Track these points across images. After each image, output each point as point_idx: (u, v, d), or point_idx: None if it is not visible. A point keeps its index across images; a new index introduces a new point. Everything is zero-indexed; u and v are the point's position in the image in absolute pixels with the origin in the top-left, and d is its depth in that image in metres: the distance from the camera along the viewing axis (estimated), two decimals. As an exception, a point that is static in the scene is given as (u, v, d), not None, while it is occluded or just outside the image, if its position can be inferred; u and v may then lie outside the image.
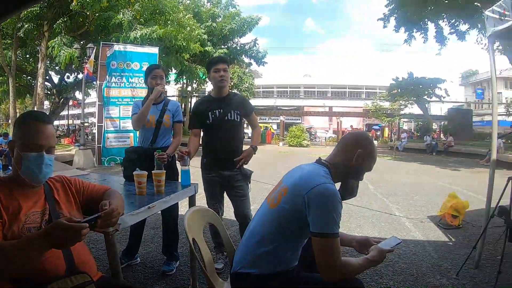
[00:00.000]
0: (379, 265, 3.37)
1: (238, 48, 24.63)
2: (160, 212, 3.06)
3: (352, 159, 1.79)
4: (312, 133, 35.23)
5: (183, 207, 3.67)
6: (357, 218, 5.50)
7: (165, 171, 2.63)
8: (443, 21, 19.48)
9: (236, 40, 24.65)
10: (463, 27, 19.17)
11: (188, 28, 16.63)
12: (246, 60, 25.63)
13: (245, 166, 3.33)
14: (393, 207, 6.42)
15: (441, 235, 4.86)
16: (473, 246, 3.53)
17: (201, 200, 3.49)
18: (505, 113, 30.74)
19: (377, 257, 1.75)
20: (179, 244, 3.54)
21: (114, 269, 1.90)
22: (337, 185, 1.79)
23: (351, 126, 34.85)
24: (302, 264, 1.85)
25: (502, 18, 3.41)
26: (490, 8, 3.61)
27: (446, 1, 17.15)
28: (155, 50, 12.43)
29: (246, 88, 26.74)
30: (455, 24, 19.27)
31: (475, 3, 15.01)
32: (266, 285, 1.72)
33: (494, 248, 3.79)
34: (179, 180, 3.01)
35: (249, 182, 3.37)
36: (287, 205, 1.71)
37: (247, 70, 28.34)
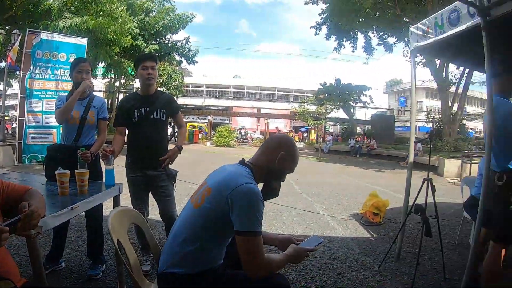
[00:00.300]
0: (305, 261, 3.50)
1: (170, 45, 23.98)
2: (84, 213, 2.94)
3: (274, 161, 1.87)
4: (243, 133, 35.60)
5: (107, 208, 3.53)
6: (283, 217, 5.64)
7: (88, 170, 2.52)
8: (373, 32, 20.85)
9: (169, 36, 23.96)
10: (391, 39, 20.74)
11: (120, 21, 15.85)
12: (177, 57, 25.02)
13: (170, 166, 3.30)
14: (318, 206, 6.68)
15: (364, 231, 5.17)
16: (393, 241, 3.83)
17: (126, 200, 3.39)
18: (425, 120, 33.30)
19: (294, 253, 1.83)
20: (104, 247, 3.41)
21: (38, 274, 1.79)
22: (260, 186, 1.85)
23: (277, 127, 35.69)
24: (227, 262, 1.88)
25: (425, 35, 3.75)
26: (416, 25, 3.95)
27: (377, 15, 18.29)
28: (84, 41, 11.66)
29: (175, 86, 26.30)
30: (384, 37, 20.70)
31: (404, 19, 16.21)
32: (192, 284, 1.73)
33: (413, 242, 4.12)
34: (103, 180, 2.90)
35: (174, 182, 3.35)
36: (210, 205, 1.73)
37: (177, 68, 27.79)
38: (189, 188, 6.71)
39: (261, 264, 1.68)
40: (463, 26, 3.15)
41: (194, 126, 32.19)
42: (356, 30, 20.74)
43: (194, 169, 10.53)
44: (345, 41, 21.47)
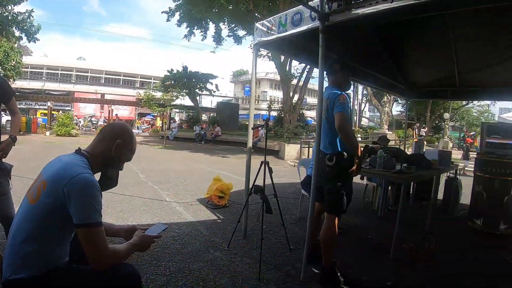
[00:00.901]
0: (156, 250, 3.63)
1: (10, 17, 20.35)
2: None
3: (111, 149, 1.88)
4: (94, 122, 33.15)
5: None
6: (130, 208, 5.55)
7: None
8: (224, 24, 21.34)
9: (10, 7, 20.26)
10: (241, 32, 21.61)
11: None
12: (17, 33, 21.45)
13: (4, 160, 2.94)
14: (164, 193, 6.74)
15: (211, 214, 5.46)
16: (238, 220, 4.19)
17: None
18: (268, 109, 35.67)
19: (139, 241, 1.90)
20: None
21: None
22: (98, 176, 1.86)
23: (116, 115, 34.05)
24: (74, 258, 1.84)
25: (269, 31, 4.12)
26: (261, 21, 4.29)
27: (230, 7, 18.72)
28: None
29: (12, 66, 22.38)
30: (234, 29, 21.43)
31: (256, 14, 17.03)
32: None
33: (258, 220, 4.44)
34: None
35: (10, 178, 3.00)
36: (47, 199, 1.67)
37: (16, 45, 23.70)
38: (27, 184, 6.02)
39: (105, 255, 1.68)
40: (304, 28, 3.59)
41: (45, 114, 28.51)
42: (208, 20, 21.04)
43: (32, 162, 9.46)
44: (196, 29, 21.60)
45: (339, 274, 3.28)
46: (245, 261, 3.65)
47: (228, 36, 22.05)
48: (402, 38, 6.78)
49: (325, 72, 3.53)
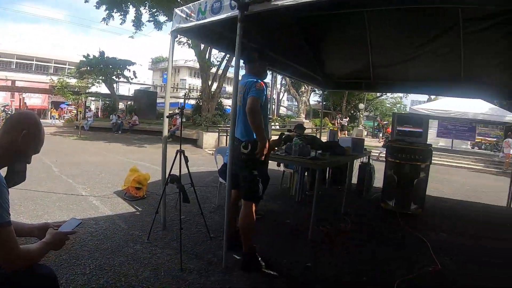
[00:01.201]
0: (74, 247, 3.53)
1: None
2: None
3: (17, 141, 1.73)
4: (8, 112, 30.30)
5: None
6: (44, 205, 5.20)
7: None
8: (145, 8, 20.45)
9: None
10: (162, 18, 20.76)
11: None
12: None
13: None
14: (80, 187, 6.42)
15: (129, 207, 5.34)
16: (156, 211, 4.13)
17: None
18: (186, 97, 35.16)
19: (52, 239, 1.80)
20: None
21: None
22: (4, 171, 1.74)
23: (25, 103, 31.66)
24: None
25: (188, 18, 4.06)
26: (181, 8, 4.22)
27: None
28: None
29: None
30: (155, 14, 20.60)
31: (179, 0, 16.54)
32: None
33: (176, 210, 4.45)
34: None
35: None
36: None
37: None
38: None
39: (17, 255, 1.59)
40: (223, 16, 3.59)
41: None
42: (129, 3, 20.08)
43: None
44: (115, 12, 20.48)
45: (259, 259, 3.41)
46: (166, 252, 3.64)
47: (149, 21, 21.12)
48: (322, 31, 7.13)
49: (242, 61, 3.59)
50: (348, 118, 36.96)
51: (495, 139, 29.77)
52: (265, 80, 3.61)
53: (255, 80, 3.31)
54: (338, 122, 31.60)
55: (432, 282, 3.58)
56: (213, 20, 3.73)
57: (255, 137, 3.32)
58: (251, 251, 3.41)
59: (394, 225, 5.40)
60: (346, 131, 29.78)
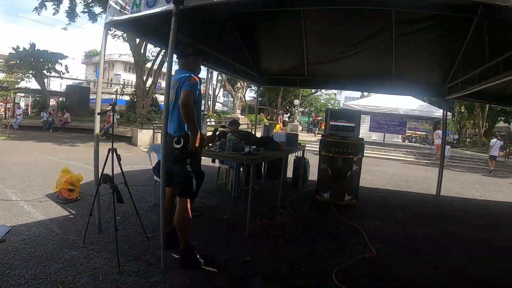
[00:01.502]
0: (6, 256, 3.38)
1: None
2: None
3: None
4: None
5: None
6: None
7: None
8: None
9: None
10: (97, 9, 19.83)
11: None
12: None
13: None
14: (9, 191, 6.08)
15: (62, 210, 5.15)
16: (89, 214, 4.03)
17: None
18: (120, 93, 34.18)
19: None
20: None
21: None
22: None
23: None
24: None
25: (122, 10, 3.95)
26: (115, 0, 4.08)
27: None
28: None
29: None
30: (90, 5, 19.65)
31: None
32: None
33: (111, 211, 4.36)
34: None
35: None
36: None
37: None
38: None
39: None
40: (158, 9, 3.56)
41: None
42: None
43: None
44: (48, 1, 19.33)
45: (198, 256, 3.46)
46: (103, 255, 3.58)
47: (83, 12, 20.13)
48: (258, 28, 7.30)
49: (176, 56, 3.62)
50: (289, 114, 37.84)
51: (425, 133, 32.05)
52: (199, 76, 3.66)
53: (188, 74, 3.35)
54: (281, 118, 32.26)
55: (368, 269, 3.84)
56: (148, 14, 3.69)
57: (187, 131, 3.36)
58: (189, 249, 3.45)
59: (329, 216, 5.69)
60: (286, 127, 30.52)
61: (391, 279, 3.66)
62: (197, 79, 3.38)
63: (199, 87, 3.42)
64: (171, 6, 3.36)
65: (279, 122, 27.88)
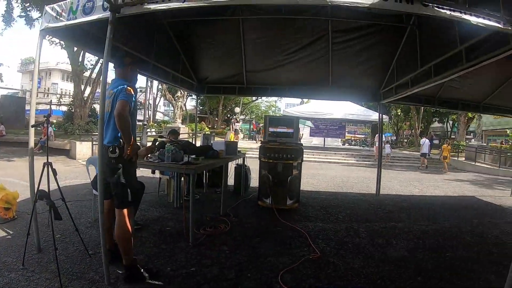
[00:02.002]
0: None
1: None
2: None
3: None
4: None
5: None
6: None
7: None
8: (17, 1, 18.46)
9: None
10: (35, 14, 18.84)
11: None
12: None
13: None
14: None
15: (-1, 231, 4.92)
16: (27, 233, 3.88)
17: None
18: (58, 103, 32.91)
19: None
20: None
21: None
22: None
23: None
24: None
25: (58, 17, 3.88)
26: (52, 5, 3.99)
27: None
28: None
29: None
30: (28, 9, 18.68)
31: None
32: None
33: (50, 230, 4.25)
34: None
35: None
36: None
37: None
38: None
39: None
40: (94, 17, 3.53)
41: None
42: None
43: None
44: None
45: (142, 270, 3.46)
46: (44, 276, 3.47)
47: (20, 16, 19.20)
48: (197, 36, 7.40)
49: (113, 65, 3.62)
50: (240, 123, 38.13)
51: (363, 136, 33.51)
52: (136, 86, 3.65)
53: (124, 85, 3.35)
54: (233, 127, 32.38)
55: (314, 269, 4.01)
56: (84, 21, 3.65)
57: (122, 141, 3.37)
58: (133, 263, 3.44)
59: (272, 221, 5.87)
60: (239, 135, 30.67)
61: (337, 276, 3.85)
62: (133, 90, 3.39)
63: (134, 98, 3.43)
64: (107, 13, 3.36)
65: (232, 131, 27.94)
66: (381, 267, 4.16)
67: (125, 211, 3.43)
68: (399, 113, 39.06)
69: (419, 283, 3.78)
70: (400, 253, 4.69)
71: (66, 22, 3.79)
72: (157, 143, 4.89)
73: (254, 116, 48.78)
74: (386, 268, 4.12)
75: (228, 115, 42.19)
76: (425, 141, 19.47)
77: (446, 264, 4.35)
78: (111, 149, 3.37)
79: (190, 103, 43.11)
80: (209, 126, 35.28)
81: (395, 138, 40.54)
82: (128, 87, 3.34)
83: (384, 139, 21.98)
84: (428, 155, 19.59)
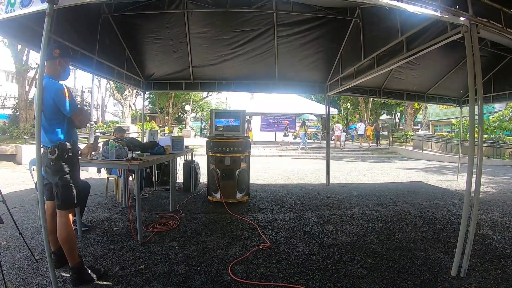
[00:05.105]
0: None
1: None
2: None
3: None
4: None
5: None
6: None
7: None
8: None
9: None
10: None
11: None
12: None
13: None
14: None
15: None
16: None
17: None
18: (1, 106, 31.45)
19: None
20: None
21: None
22: None
23: None
24: None
25: None
26: None
27: None
28: None
29: None
30: None
31: None
32: None
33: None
34: None
35: None
36: None
37: None
38: None
39: None
40: (32, 9, 3.33)
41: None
42: None
43: None
44: None
45: (89, 271, 3.44)
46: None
47: None
48: (141, 31, 7.35)
49: None
50: (192, 121, 37.97)
51: (314, 129, 34.39)
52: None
53: (59, 87, 3.30)
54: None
55: (264, 258, 4.14)
56: (22, 14, 3.45)
57: (62, 140, 3.34)
58: (79, 265, 3.40)
59: (222, 215, 5.99)
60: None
61: (288, 264, 3.99)
62: (68, 91, 3.33)
63: (72, 97, 3.38)
64: (45, 5, 3.18)
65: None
66: (332, 252, 4.36)
67: (68, 212, 3.41)
68: (348, 107, 40.32)
69: (370, 265, 3.98)
70: (350, 238, 4.93)
71: (4, 16, 3.58)
72: (99, 139, 4.85)
73: (204, 114, 48.60)
74: (337, 253, 4.33)
75: (179, 114, 41.73)
76: (360, 125, 24.37)
77: (395, 246, 4.62)
78: (50, 149, 3.31)
79: (140, 102, 42.36)
80: (160, 125, 34.76)
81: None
82: (63, 91, 3.30)
83: (341, 128, 24.07)
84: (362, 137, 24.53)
